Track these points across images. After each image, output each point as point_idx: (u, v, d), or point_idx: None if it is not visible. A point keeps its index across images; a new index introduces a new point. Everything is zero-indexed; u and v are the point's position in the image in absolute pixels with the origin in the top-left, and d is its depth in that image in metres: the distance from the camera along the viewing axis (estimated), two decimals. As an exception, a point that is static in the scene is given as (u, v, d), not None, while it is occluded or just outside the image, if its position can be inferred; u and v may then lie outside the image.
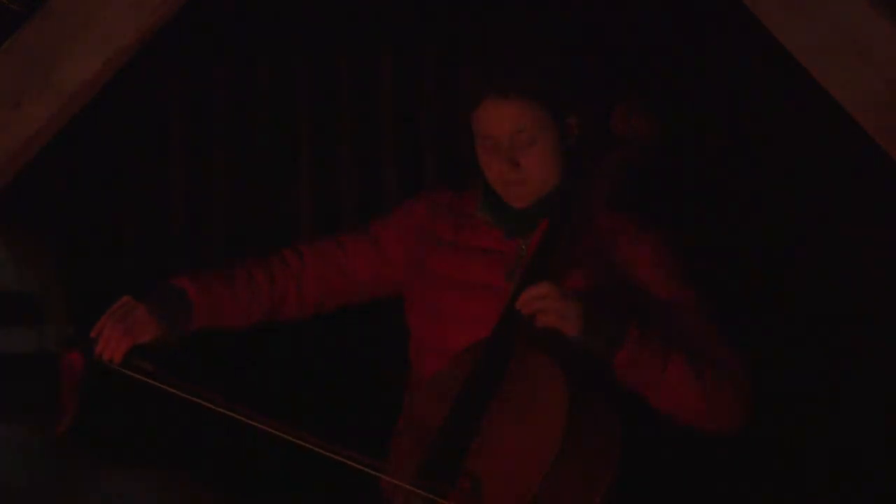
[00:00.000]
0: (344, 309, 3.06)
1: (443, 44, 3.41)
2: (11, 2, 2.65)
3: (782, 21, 2.37)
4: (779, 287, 3.29)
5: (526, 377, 2.47)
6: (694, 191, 3.28)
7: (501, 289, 2.60)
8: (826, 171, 3.21)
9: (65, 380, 1.67)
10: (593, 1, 3.28)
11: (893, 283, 3.22)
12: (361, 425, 3.03)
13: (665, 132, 2.73)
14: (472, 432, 2.44)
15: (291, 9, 3.43)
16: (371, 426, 2.73)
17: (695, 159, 3.26)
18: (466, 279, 2.68)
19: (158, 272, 3.43)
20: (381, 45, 3.46)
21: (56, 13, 2.60)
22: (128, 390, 2.57)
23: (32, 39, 2.61)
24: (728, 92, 3.27)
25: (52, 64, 2.60)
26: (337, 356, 3.56)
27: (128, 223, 3.46)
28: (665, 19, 3.25)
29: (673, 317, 2.57)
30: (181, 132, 3.51)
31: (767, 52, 2.51)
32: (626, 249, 2.65)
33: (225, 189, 3.51)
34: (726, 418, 2.56)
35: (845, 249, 3.24)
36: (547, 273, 2.55)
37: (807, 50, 2.37)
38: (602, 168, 2.70)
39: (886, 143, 2.38)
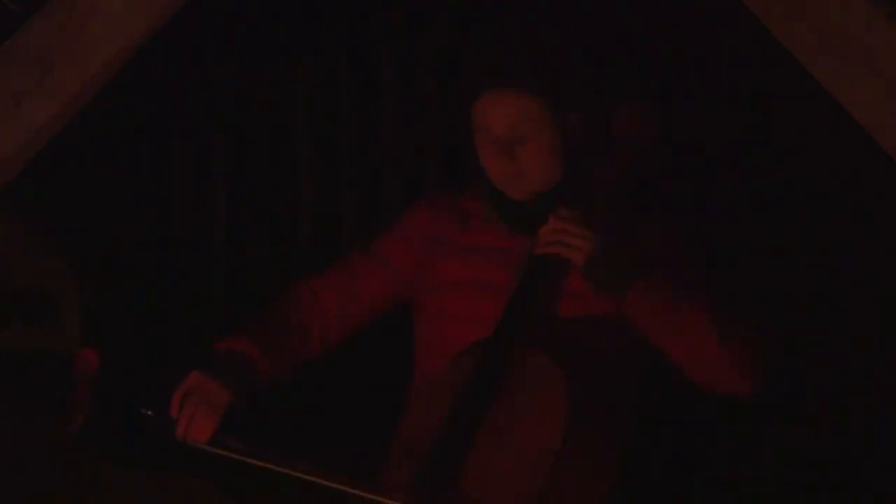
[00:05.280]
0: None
1: (443, 44, 3.41)
2: (11, 2, 2.65)
3: (782, 21, 2.37)
4: (778, 287, 3.28)
5: (526, 377, 2.47)
6: (693, 191, 3.27)
7: (510, 288, 2.59)
8: (826, 171, 3.21)
9: (79, 378, 1.67)
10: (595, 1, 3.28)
11: (894, 282, 3.22)
12: (362, 427, 3.03)
13: (665, 135, 2.73)
14: (472, 432, 2.44)
15: (291, 8, 3.42)
16: (371, 428, 2.73)
17: (694, 160, 3.26)
18: (474, 279, 2.67)
19: (159, 272, 3.45)
20: (381, 45, 3.45)
21: (56, 13, 2.60)
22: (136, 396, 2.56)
23: (32, 39, 2.61)
24: (728, 92, 3.26)
25: (52, 64, 2.60)
26: (337, 357, 3.55)
27: (128, 223, 3.45)
28: (664, 20, 3.25)
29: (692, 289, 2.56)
30: (181, 132, 3.50)
31: (767, 52, 2.51)
32: (641, 240, 2.65)
33: (225, 189, 3.50)
34: (741, 373, 2.54)
35: (845, 250, 3.24)
36: (551, 272, 2.56)
37: (807, 50, 2.37)
38: (602, 170, 2.70)
39: (886, 143, 2.38)
